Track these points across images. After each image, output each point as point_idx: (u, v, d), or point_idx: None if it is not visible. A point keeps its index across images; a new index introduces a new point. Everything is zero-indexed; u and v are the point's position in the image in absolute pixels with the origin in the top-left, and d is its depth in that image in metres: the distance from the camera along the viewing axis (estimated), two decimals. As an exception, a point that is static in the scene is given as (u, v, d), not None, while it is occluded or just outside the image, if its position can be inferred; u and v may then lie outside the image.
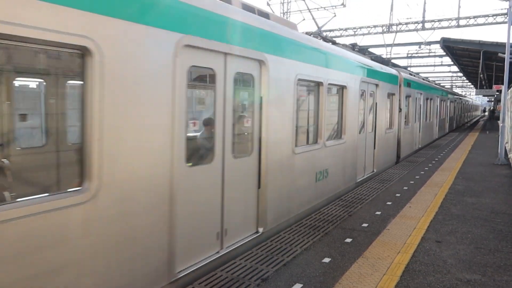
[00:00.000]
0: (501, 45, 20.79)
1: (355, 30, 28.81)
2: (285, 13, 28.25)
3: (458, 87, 73.49)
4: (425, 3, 26.74)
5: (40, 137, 3.91)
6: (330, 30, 28.93)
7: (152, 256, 3.77)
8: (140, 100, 3.59)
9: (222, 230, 4.82)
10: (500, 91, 19.96)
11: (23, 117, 4.27)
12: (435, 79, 49.28)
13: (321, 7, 20.84)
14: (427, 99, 18.68)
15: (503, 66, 14.32)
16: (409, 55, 38.31)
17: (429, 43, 29.94)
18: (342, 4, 26.23)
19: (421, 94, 17.08)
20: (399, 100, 13.25)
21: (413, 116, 15.82)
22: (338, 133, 8.40)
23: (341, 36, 28.72)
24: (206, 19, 4.40)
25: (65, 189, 3.20)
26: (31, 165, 3.77)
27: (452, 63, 38.64)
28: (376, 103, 10.74)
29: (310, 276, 4.42)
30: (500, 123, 14.49)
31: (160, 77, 3.78)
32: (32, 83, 4.43)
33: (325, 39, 9.60)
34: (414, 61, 44.60)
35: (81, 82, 3.20)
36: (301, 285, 4.20)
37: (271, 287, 4.17)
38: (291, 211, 6.35)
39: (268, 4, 25.47)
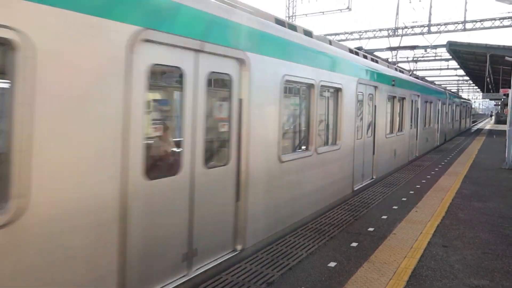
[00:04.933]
0: (508, 49, 20.66)
1: (360, 33, 28.76)
2: (291, 17, 28.28)
3: (464, 90, 73.00)
4: (431, 6, 26.68)
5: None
6: (335, 34, 28.91)
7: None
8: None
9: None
10: (507, 95, 19.83)
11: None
12: (441, 82, 49.01)
13: (328, 11, 20.80)
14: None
15: (510, 69, 14.25)
16: (414, 59, 38.16)
17: (435, 47, 29.77)
18: (348, 7, 26.26)
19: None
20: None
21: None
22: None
23: (346, 39, 28.68)
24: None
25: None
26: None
27: (458, 66, 38.46)
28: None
29: (316, 280, 4.40)
30: (507, 127, 14.37)
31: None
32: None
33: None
34: (420, 65, 44.40)
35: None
36: (307, 289, 4.18)
37: (277, 291, 4.15)
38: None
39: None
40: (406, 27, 27.05)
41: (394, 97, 11.89)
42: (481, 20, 25.28)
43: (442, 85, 41.11)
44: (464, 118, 36.83)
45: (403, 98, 12.93)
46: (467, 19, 25.53)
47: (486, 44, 22.91)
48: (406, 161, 13.80)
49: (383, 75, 10.73)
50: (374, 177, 10.33)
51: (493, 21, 24.94)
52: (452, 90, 42.41)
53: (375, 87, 10.07)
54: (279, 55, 5.74)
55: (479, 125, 52.11)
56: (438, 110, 20.00)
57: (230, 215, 4.84)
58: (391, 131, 11.98)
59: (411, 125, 14.30)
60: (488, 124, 56.41)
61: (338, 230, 6.13)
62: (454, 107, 27.56)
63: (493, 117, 63.59)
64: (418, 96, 15.00)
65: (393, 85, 11.39)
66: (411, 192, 8.98)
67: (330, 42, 8.52)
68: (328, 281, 4.39)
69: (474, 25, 25.43)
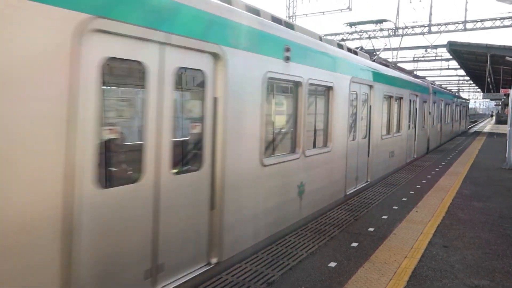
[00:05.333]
0: (509, 49, 20.67)
1: (360, 33, 28.72)
2: (291, 17, 28.28)
3: (465, 90, 72.97)
4: (431, 6, 26.69)
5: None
6: (335, 34, 28.90)
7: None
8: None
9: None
10: (507, 95, 19.83)
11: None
12: (442, 82, 48.94)
13: (328, 11, 20.81)
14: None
15: (511, 69, 14.23)
16: (415, 59, 38.16)
17: (436, 47, 29.80)
18: (348, 7, 26.25)
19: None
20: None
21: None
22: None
23: (346, 39, 28.66)
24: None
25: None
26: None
27: (458, 66, 38.45)
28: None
29: (316, 280, 4.40)
30: (508, 127, 14.36)
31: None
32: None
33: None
34: (421, 65, 44.41)
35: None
36: (307, 289, 4.17)
37: (277, 291, 4.14)
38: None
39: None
40: (406, 27, 27.05)
41: (313, 87, 6.86)
42: (481, 20, 25.28)
43: (443, 85, 40.99)
44: (458, 120, 30.20)
45: (328, 88, 7.43)
46: (467, 19, 25.54)
47: (486, 44, 22.93)
48: (341, 195, 8.24)
49: (239, 29, 4.86)
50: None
51: (493, 21, 24.94)
52: (447, 88, 42.05)
53: (213, 55, 4.39)
54: None
55: (479, 126, 49.12)
56: (416, 109, 15.08)
57: None
58: (295, 149, 6.46)
59: (354, 133, 9.04)
60: (488, 124, 54.21)
61: (338, 230, 6.13)
62: (443, 106, 21.96)
63: (494, 117, 63.03)
64: (371, 87, 9.82)
65: (288, 58, 5.85)
66: (411, 192, 8.98)
67: None
68: (328, 281, 4.39)
69: (474, 25, 25.42)
